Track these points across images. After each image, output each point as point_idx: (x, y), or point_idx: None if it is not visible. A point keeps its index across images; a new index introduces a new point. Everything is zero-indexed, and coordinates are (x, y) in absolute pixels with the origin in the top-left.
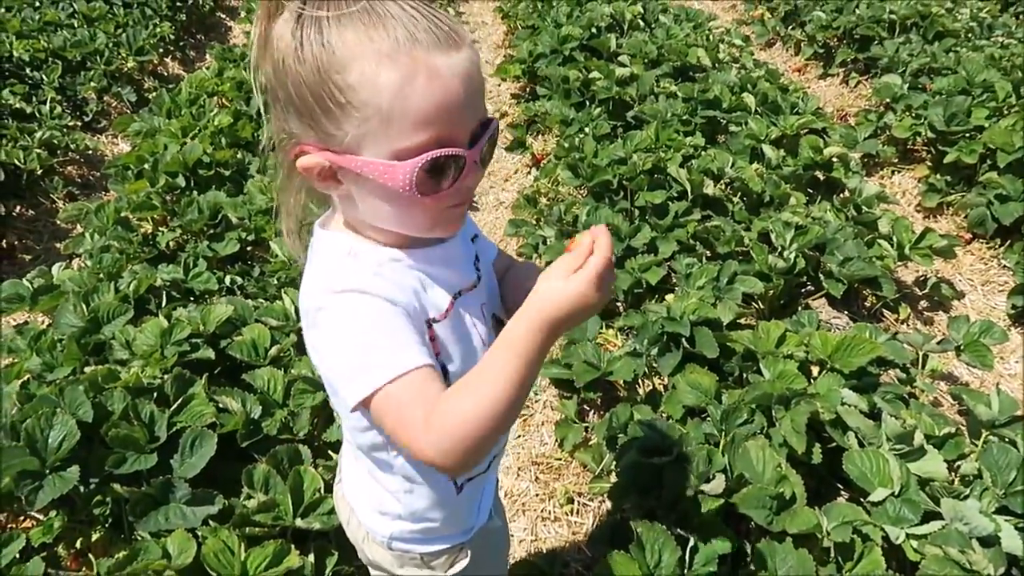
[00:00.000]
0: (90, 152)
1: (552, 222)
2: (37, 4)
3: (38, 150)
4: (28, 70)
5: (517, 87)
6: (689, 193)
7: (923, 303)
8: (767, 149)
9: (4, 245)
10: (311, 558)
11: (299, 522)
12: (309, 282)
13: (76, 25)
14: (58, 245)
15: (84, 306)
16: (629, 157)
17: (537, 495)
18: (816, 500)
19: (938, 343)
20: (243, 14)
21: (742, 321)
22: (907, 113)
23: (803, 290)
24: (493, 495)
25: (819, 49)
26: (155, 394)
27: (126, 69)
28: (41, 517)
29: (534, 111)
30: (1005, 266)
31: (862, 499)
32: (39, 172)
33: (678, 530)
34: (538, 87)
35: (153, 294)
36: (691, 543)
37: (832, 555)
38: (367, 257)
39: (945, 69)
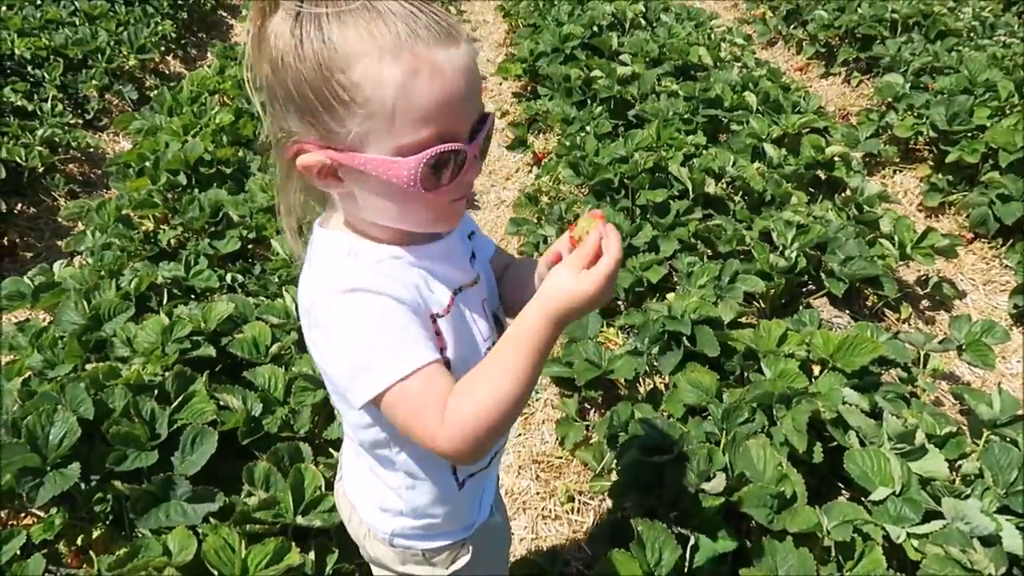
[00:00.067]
0: (91, 150)
1: (553, 221)
2: (39, 2)
3: (39, 148)
4: (30, 68)
5: (518, 86)
6: (690, 192)
7: (924, 302)
8: (768, 148)
9: (6, 242)
10: (312, 556)
11: (300, 519)
12: (309, 281)
13: (78, 23)
14: (59, 243)
15: (85, 303)
16: (630, 156)
17: (538, 493)
18: (817, 499)
19: (939, 342)
20: (244, 12)
21: (743, 320)
22: (909, 112)
23: (804, 289)
24: (494, 491)
25: (821, 48)
26: (156, 391)
27: (127, 67)
28: (42, 514)
29: (535, 110)
30: (1007, 266)
31: (863, 498)
32: (40, 170)
33: (679, 529)
34: (539, 86)
35: (154, 292)
36: (692, 542)
37: (833, 554)
38: (367, 256)
39: (947, 68)
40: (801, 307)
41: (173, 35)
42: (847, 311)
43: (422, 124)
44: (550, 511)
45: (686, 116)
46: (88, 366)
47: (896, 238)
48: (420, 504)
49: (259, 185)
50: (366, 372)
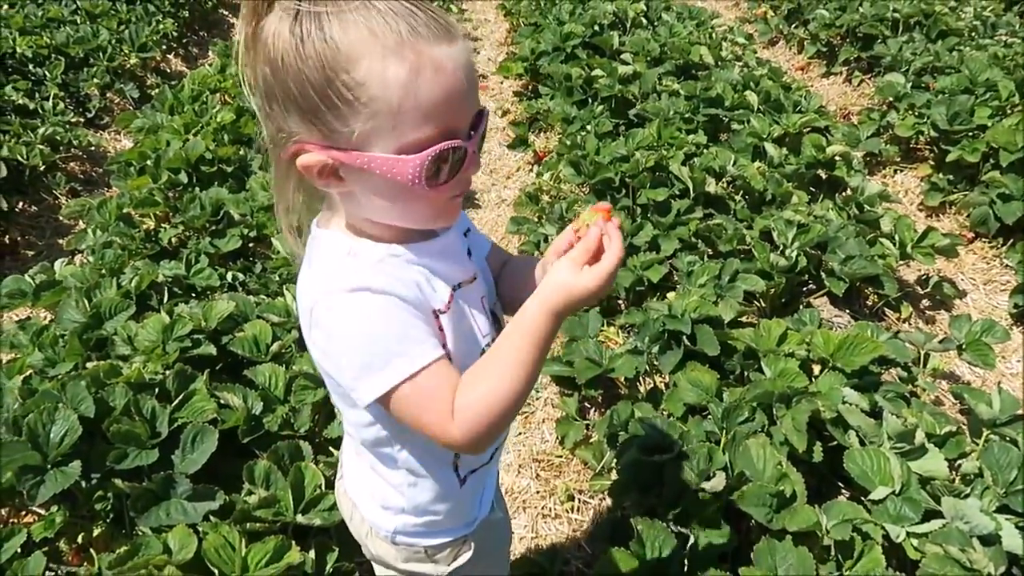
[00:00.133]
0: (92, 148)
1: (554, 220)
2: (40, 0)
3: (41, 146)
4: (31, 66)
5: (519, 84)
6: (691, 191)
7: (925, 302)
8: (769, 147)
9: (7, 241)
10: (312, 554)
11: (300, 518)
12: (310, 282)
13: (79, 21)
14: (60, 241)
15: (86, 302)
16: (631, 155)
17: (538, 492)
18: (816, 498)
19: (940, 342)
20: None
21: (743, 319)
22: (910, 112)
23: (804, 288)
24: (495, 487)
25: (822, 47)
26: (156, 390)
27: (129, 66)
28: (42, 512)
29: (536, 108)
30: (1007, 265)
31: (863, 497)
32: (42, 168)
33: (678, 527)
34: (540, 85)
35: (155, 290)
36: (691, 540)
37: (832, 553)
38: (368, 255)
39: (948, 68)
40: (801, 306)
41: (174, 33)
42: (847, 310)
43: (425, 121)
44: (550, 510)
45: (687, 115)
46: (89, 364)
47: (897, 237)
48: (422, 501)
49: (260, 184)
50: (373, 370)
